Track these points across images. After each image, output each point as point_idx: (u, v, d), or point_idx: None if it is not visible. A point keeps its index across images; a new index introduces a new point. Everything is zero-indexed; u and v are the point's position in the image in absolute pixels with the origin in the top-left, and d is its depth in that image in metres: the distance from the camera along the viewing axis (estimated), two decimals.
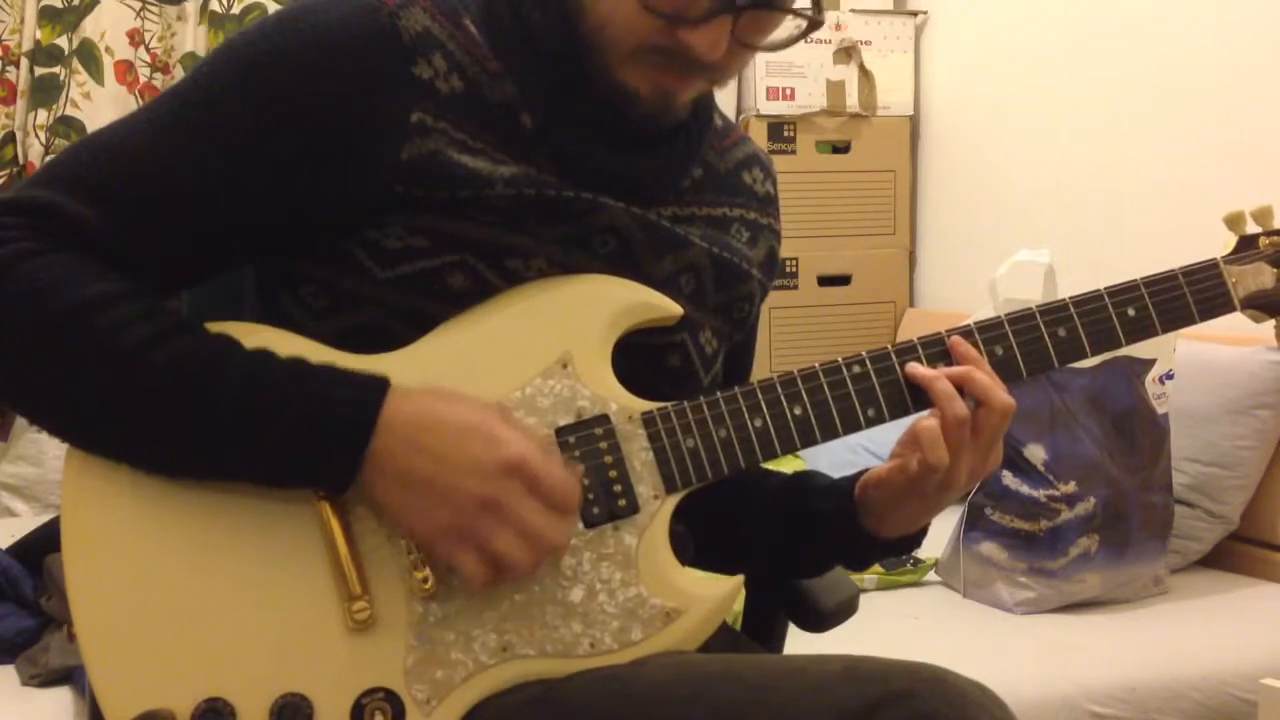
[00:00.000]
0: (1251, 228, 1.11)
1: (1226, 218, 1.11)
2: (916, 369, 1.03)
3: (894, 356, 1.04)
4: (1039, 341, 1.06)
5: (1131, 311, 1.07)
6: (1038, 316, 1.06)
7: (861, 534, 1.10)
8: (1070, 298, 1.07)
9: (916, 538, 1.12)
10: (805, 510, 1.14)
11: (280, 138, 0.97)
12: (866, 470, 1.11)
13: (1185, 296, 1.08)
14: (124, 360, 0.91)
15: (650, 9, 0.96)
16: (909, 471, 1.04)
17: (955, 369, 1.02)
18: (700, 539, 1.14)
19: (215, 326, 0.96)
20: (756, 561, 1.23)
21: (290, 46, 0.97)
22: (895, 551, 1.13)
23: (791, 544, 1.18)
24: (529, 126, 1.02)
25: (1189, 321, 1.09)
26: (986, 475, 1.05)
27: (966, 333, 1.05)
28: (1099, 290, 1.07)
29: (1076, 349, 1.06)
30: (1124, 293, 1.07)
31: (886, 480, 1.07)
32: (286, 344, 0.96)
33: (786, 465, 1.23)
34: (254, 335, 0.96)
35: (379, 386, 0.93)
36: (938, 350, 1.04)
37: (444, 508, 0.91)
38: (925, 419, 1.02)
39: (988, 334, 1.05)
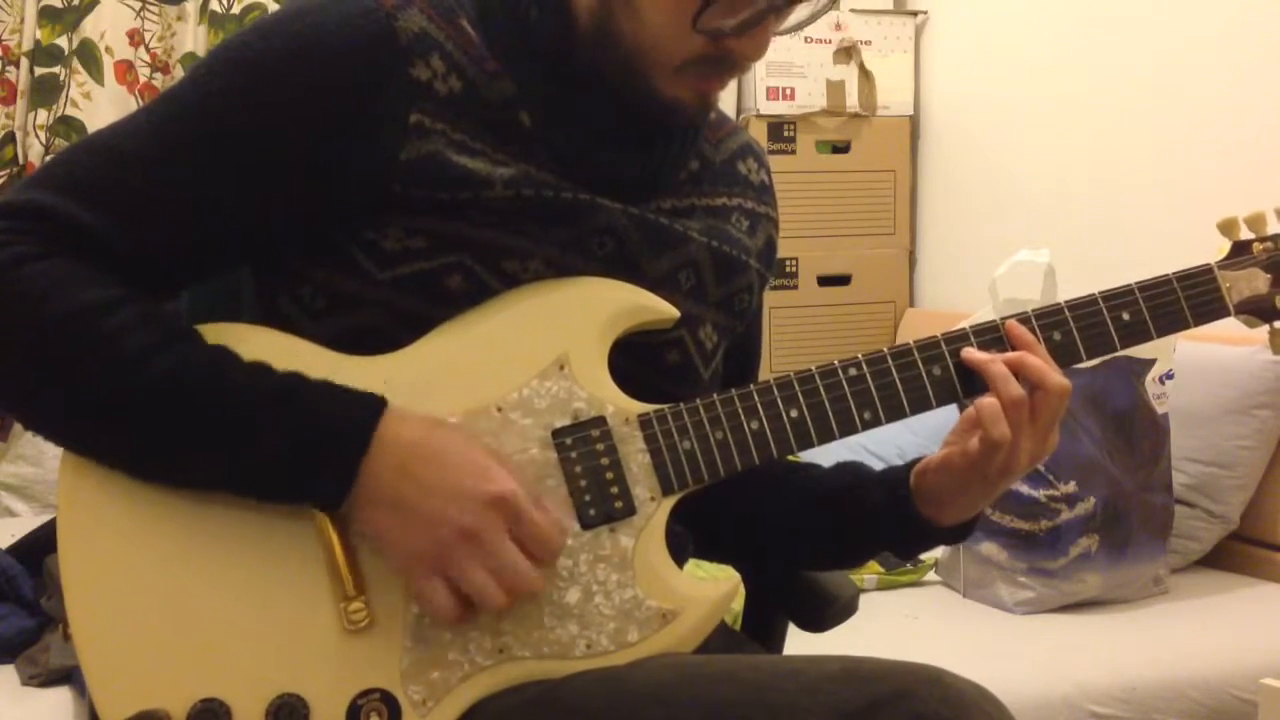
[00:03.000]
0: (1245, 233, 1.12)
1: (1220, 224, 1.12)
2: (971, 353, 1.03)
3: (890, 359, 1.04)
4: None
5: (1126, 316, 1.07)
6: (1033, 320, 1.06)
7: (918, 522, 1.10)
8: (1065, 301, 1.07)
9: (971, 525, 1.12)
10: (856, 500, 1.14)
11: (277, 139, 0.97)
12: (919, 460, 1.10)
13: (1179, 301, 1.08)
14: (121, 368, 0.91)
15: (702, 31, 0.97)
16: (970, 453, 1.03)
17: (1010, 354, 1.02)
18: (712, 531, 1.14)
19: (214, 330, 0.96)
20: (787, 552, 1.22)
21: (288, 48, 0.97)
22: (949, 540, 1.13)
23: (836, 534, 1.17)
24: (528, 125, 1.02)
25: (1183, 326, 1.09)
26: (1044, 459, 1.05)
27: (962, 335, 1.05)
28: (1094, 294, 1.07)
29: (1072, 353, 1.06)
30: (1119, 297, 1.07)
31: (947, 464, 1.07)
32: (285, 347, 0.96)
33: None
34: (252, 338, 0.96)
35: (375, 405, 0.93)
36: (933, 354, 1.04)
37: (423, 534, 0.91)
38: (984, 398, 1.01)
39: (984, 337, 1.05)
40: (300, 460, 0.91)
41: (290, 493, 0.93)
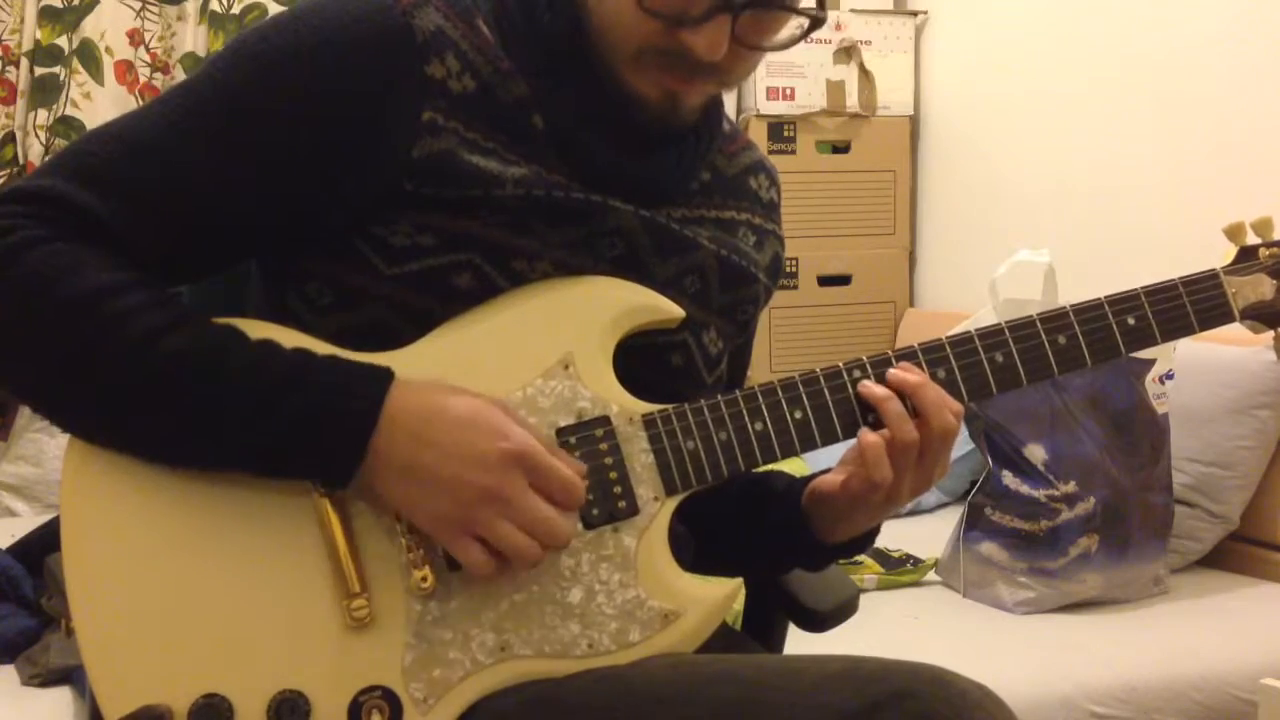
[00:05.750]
0: (1251, 239, 1.12)
1: (1227, 229, 1.12)
2: (869, 388, 1.02)
3: (895, 361, 1.04)
4: (1039, 349, 1.06)
5: (1131, 320, 1.07)
6: (1038, 324, 1.06)
7: (812, 541, 1.12)
8: (1071, 306, 1.07)
9: (870, 536, 1.14)
10: (763, 514, 1.16)
11: (291, 134, 0.97)
12: (817, 476, 1.11)
13: (1185, 306, 1.08)
14: (130, 349, 0.91)
15: (648, 10, 0.96)
16: (850, 490, 1.05)
17: (910, 378, 1.02)
18: (699, 539, 1.14)
19: (221, 322, 0.96)
20: (735, 560, 1.23)
21: (304, 43, 0.97)
22: (847, 554, 1.15)
23: (753, 545, 1.19)
24: (540, 127, 1.02)
25: (1188, 331, 1.09)
26: (928, 489, 1.07)
27: (966, 338, 1.05)
28: (1099, 299, 1.07)
29: (1076, 357, 1.06)
30: (1124, 301, 1.08)
31: (829, 497, 1.08)
32: (290, 340, 0.96)
33: (789, 465, 1.23)
34: (258, 333, 0.96)
35: (383, 378, 0.93)
36: (937, 357, 1.04)
37: (446, 498, 0.91)
38: (871, 435, 1.02)
39: (988, 340, 1.05)
40: (310, 434, 0.92)
41: (301, 468, 0.93)
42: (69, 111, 3.03)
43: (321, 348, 0.96)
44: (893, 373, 1.02)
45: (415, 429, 0.92)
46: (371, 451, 0.91)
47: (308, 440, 0.92)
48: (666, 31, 0.97)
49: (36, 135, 3.02)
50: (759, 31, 1.00)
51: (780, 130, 3.48)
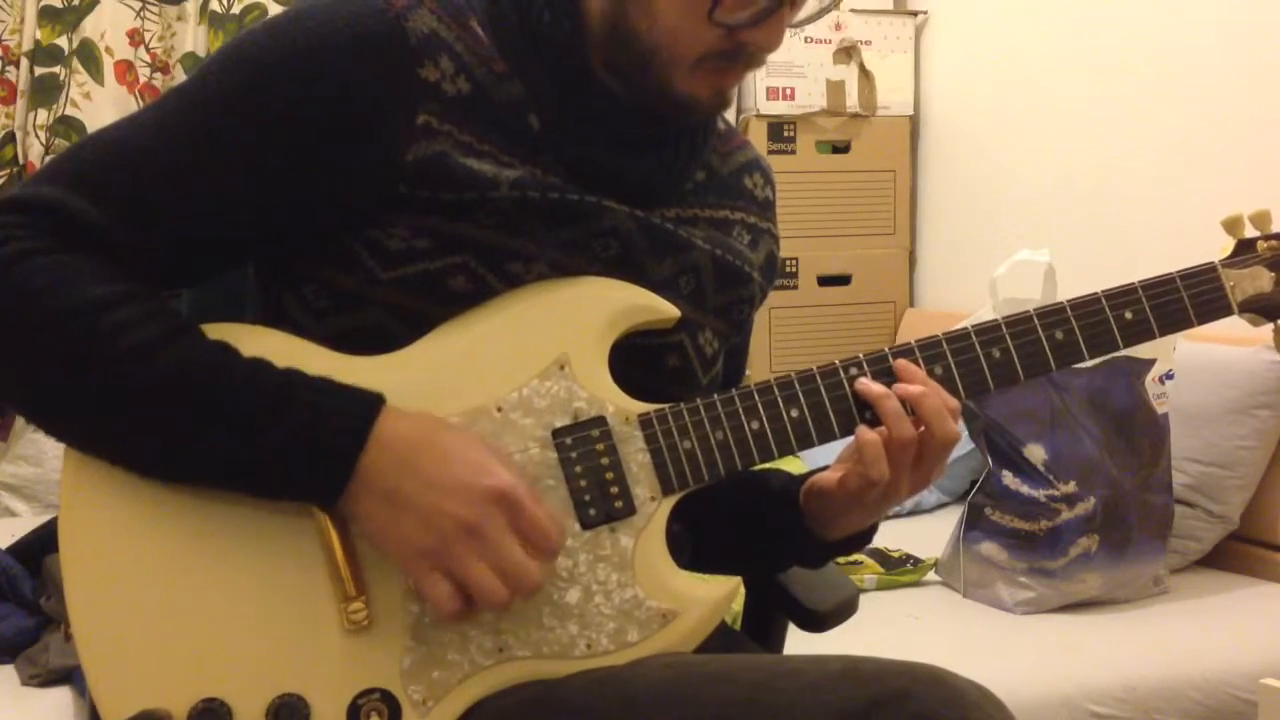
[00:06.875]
0: (1250, 231, 1.11)
1: (1225, 221, 1.11)
2: (866, 385, 1.02)
3: (891, 359, 1.04)
4: (1036, 344, 1.06)
5: (1129, 314, 1.07)
6: (1035, 319, 1.06)
7: (810, 538, 1.12)
8: (1068, 300, 1.07)
9: (868, 533, 1.14)
10: (760, 512, 1.16)
11: (285, 138, 0.97)
12: (814, 473, 1.11)
13: (1183, 300, 1.08)
14: (123, 363, 0.91)
15: (719, 24, 0.98)
16: (848, 487, 1.05)
17: (913, 389, 1.02)
18: (696, 538, 1.14)
19: (216, 329, 0.96)
20: (733, 558, 1.23)
21: (297, 47, 0.97)
22: (845, 551, 1.15)
23: (751, 543, 1.19)
24: (536, 128, 1.02)
25: (1186, 325, 1.09)
26: (926, 487, 1.06)
27: (963, 335, 1.05)
28: (1096, 293, 1.07)
29: (1074, 352, 1.06)
30: (1122, 296, 1.07)
31: (826, 494, 1.08)
32: (286, 347, 0.96)
33: (787, 464, 1.23)
34: (253, 338, 0.96)
35: (373, 402, 0.93)
36: (934, 354, 1.04)
37: (423, 529, 0.91)
38: (868, 433, 1.02)
39: (985, 336, 1.05)
40: (297, 456, 0.91)
41: (287, 489, 0.93)
42: (69, 111, 3.03)
43: (317, 359, 0.96)
44: (897, 386, 1.02)
45: (402, 456, 0.91)
46: (356, 475, 0.91)
47: (294, 461, 0.92)
48: (728, 35, 0.99)
49: (36, 135, 3.02)
50: (796, 8, 1.03)
51: (780, 130, 3.47)
